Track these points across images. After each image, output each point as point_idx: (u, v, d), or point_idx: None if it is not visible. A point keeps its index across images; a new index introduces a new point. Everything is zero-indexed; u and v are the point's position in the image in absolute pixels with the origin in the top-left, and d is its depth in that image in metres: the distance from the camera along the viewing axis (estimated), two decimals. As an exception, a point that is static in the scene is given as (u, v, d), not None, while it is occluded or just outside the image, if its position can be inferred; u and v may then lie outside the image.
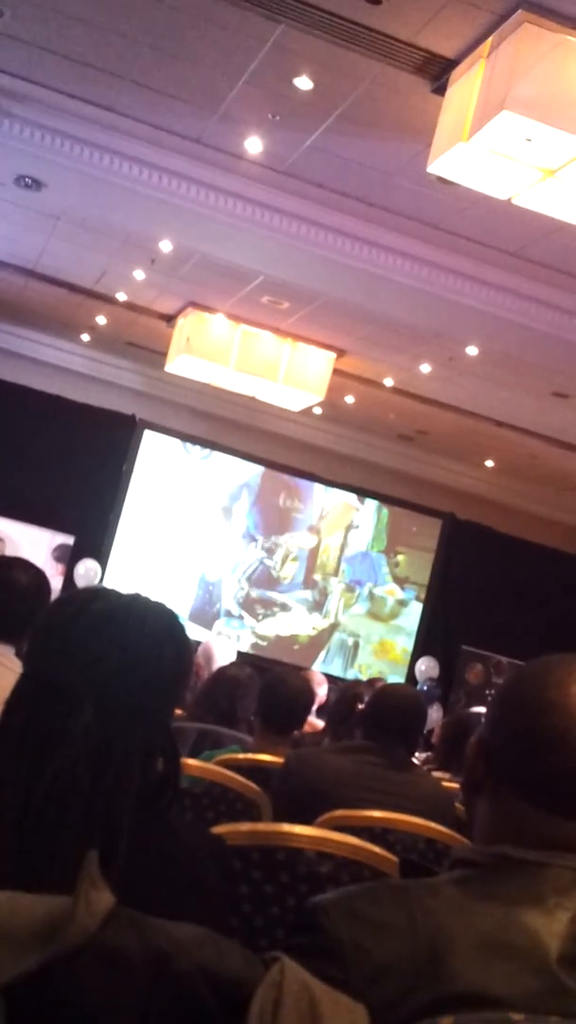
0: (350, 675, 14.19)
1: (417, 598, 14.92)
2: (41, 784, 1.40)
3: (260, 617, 14.34)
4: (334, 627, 14.73)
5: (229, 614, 14.09)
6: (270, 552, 14.35)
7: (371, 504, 14.59)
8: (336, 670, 14.10)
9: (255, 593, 14.29)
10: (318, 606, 14.58)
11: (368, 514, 14.70)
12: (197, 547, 13.81)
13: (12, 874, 1.33)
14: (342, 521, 14.58)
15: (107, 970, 1.11)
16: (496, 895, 1.30)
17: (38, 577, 3.20)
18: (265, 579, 14.32)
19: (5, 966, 1.07)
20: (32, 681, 1.53)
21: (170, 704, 1.60)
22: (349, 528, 14.68)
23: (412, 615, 14.95)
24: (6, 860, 1.36)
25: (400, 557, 14.77)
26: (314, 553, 14.58)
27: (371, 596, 14.84)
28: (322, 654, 14.42)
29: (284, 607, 14.47)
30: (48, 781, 1.40)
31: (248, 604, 14.26)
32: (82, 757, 1.43)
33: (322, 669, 13.30)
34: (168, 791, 1.57)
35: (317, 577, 14.59)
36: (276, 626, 14.45)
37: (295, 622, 14.56)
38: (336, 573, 14.68)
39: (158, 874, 1.48)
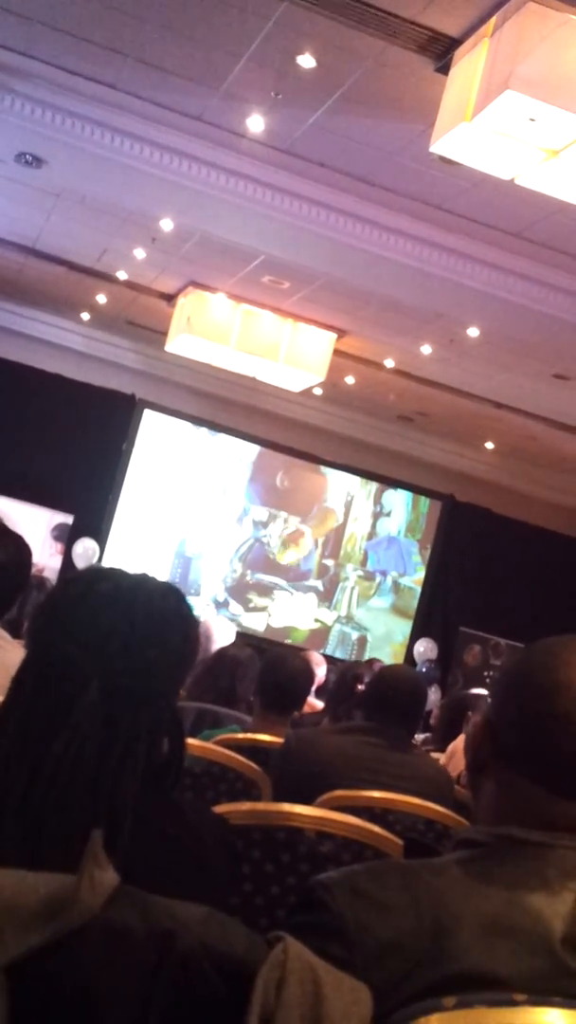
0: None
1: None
2: (47, 763, 1.41)
3: (250, 606, 13.55)
4: (343, 621, 13.89)
5: (216, 602, 13.47)
6: (264, 526, 13.67)
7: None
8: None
9: (250, 577, 13.63)
10: (327, 596, 13.78)
11: (399, 499, 14.20)
12: (194, 527, 13.53)
13: (17, 852, 1.33)
14: (341, 503, 13.99)
15: (110, 949, 1.11)
16: (501, 876, 1.30)
17: (18, 548, 3.12)
18: (262, 560, 13.65)
19: (8, 944, 1.07)
20: (38, 660, 1.53)
21: (176, 684, 1.60)
22: (378, 516, 14.07)
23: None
24: (11, 839, 1.36)
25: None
26: (333, 539, 13.85)
27: (396, 587, 14.06)
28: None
29: (283, 593, 13.67)
30: (54, 760, 1.40)
31: (239, 589, 13.57)
32: (88, 736, 1.43)
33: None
34: (173, 771, 1.57)
35: (329, 563, 13.83)
36: (267, 617, 13.60)
37: (293, 613, 13.67)
38: (359, 562, 13.92)
39: (162, 853, 1.48)
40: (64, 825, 1.36)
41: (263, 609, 13.66)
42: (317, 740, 3.59)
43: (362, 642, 13.95)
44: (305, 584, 13.80)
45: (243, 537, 13.71)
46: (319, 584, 13.84)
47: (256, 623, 13.53)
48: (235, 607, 13.50)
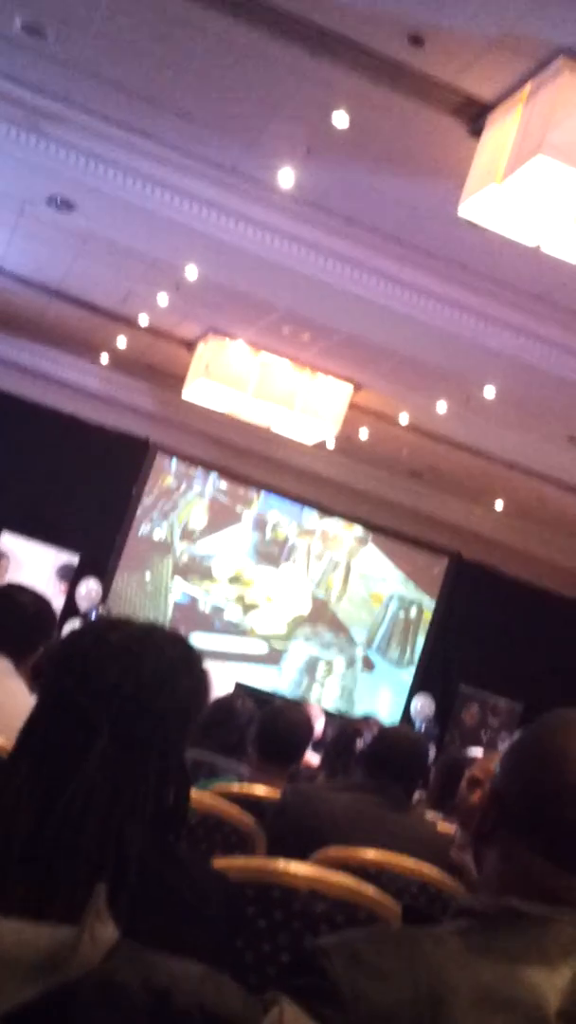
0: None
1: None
2: (55, 810, 1.40)
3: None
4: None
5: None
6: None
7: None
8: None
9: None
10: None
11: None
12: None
13: (22, 900, 1.32)
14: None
15: (106, 1004, 1.10)
16: (500, 948, 1.29)
17: (41, 602, 3.51)
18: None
19: (5, 995, 1.07)
20: (49, 709, 1.54)
21: (184, 733, 1.61)
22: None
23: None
24: (17, 886, 1.36)
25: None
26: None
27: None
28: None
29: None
30: (62, 807, 1.40)
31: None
32: (97, 784, 1.43)
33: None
34: (177, 821, 1.57)
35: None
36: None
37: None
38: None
39: (164, 906, 1.47)
40: (70, 874, 1.35)
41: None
42: (315, 796, 3.56)
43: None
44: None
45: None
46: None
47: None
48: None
